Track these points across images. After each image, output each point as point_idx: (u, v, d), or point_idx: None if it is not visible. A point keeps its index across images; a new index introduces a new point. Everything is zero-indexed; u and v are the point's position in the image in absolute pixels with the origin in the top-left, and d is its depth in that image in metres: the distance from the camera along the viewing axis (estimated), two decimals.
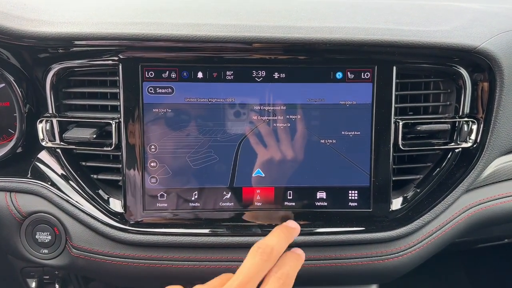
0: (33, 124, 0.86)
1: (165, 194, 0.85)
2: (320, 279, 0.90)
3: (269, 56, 0.82)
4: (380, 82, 0.83)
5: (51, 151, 0.88)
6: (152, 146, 0.84)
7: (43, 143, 0.86)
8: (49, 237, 0.86)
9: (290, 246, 0.85)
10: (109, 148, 0.84)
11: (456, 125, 0.86)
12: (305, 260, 0.85)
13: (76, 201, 0.86)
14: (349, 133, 0.84)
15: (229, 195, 0.86)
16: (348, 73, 0.82)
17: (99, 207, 0.86)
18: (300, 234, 0.84)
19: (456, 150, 0.88)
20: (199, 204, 0.86)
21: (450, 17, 0.88)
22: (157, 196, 0.85)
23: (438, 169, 0.88)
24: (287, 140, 0.84)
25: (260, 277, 0.65)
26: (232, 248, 0.86)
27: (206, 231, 0.85)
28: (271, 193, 0.86)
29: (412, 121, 0.86)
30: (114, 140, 0.83)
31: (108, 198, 0.87)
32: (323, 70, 0.82)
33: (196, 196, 0.85)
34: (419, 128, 0.85)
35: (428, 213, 0.86)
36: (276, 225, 0.86)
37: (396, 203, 0.88)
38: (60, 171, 0.87)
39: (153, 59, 0.82)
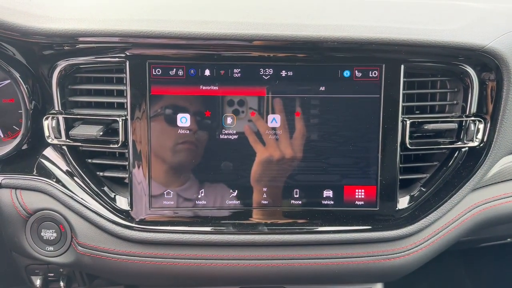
0: (38, 121, 0.86)
1: (171, 192, 0.85)
2: (326, 277, 0.90)
3: (276, 54, 0.82)
4: (388, 80, 0.83)
5: (57, 148, 0.87)
6: (159, 144, 0.83)
7: (49, 140, 0.85)
8: (55, 235, 0.86)
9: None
10: (115, 146, 0.84)
11: (463, 124, 0.86)
12: (311, 258, 0.86)
13: (82, 199, 0.85)
14: (357, 131, 0.84)
15: (235, 193, 0.85)
16: (356, 71, 0.82)
17: (105, 205, 0.85)
18: (307, 233, 0.85)
19: (463, 149, 0.88)
20: (205, 202, 0.86)
21: (458, 16, 0.88)
22: (163, 193, 0.85)
23: (444, 168, 0.88)
24: (293, 139, 0.84)
25: None
26: (238, 246, 0.86)
27: (212, 229, 0.85)
28: (277, 191, 0.86)
29: (419, 120, 0.85)
30: (120, 137, 0.83)
31: (114, 195, 0.87)
32: (331, 68, 0.82)
33: (202, 194, 0.85)
34: (426, 127, 0.85)
35: (434, 212, 0.87)
36: (282, 223, 0.86)
37: (403, 202, 0.88)
38: (65, 168, 0.87)
39: (160, 56, 0.81)
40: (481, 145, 0.87)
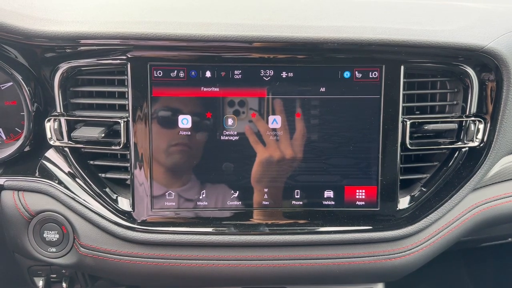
0: (40, 123, 0.86)
1: (173, 193, 0.85)
2: (327, 277, 0.90)
3: (276, 56, 0.82)
4: (388, 81, 0.83)
5: (59, 150, 0.88)
6: (160, 145, 0.84)
7: (51, 142, 0.86)
8: (57, 236, 0.87)
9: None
10: (117, 147, 0.84)
11: (463, 124, 0.86)
12: (312, 259, 0.86)
13: (84, 200, 0.86)
14: (357, 132, 0.84)
15: (236, 194, 0.86)
16: (356, 72, 0.83)
17: (107, 206, 0.86)
18: (308, 233, 0.85)
19: (463, 149, 0.88)
20: (206, 203, 0.86)
21: (457, 16, 0.89)
22: (165, 195, 0.85)
23: (444, 168, 0.89)
24: (294, 139, 0.84)
25: None
26: (239, 247, 0.86)
27: (214, 229, 0.85)
28: (278, 192, 0.86)
29: (420, 121, 0.86)
30: (122, 139, 0.83)
31: (116, 197, 0.87)
32: (331, 69, 0.83)
33: (204, 195, 0.86)
34: (426, 127, 0.85)
35: (435, 212, 0.87)
36: (283, 224, 0.86)
37: (403, 202, 0.88)
38: (67, 169, 0.87)
39: (161, 58, 0.82)
40: (481, 145, 0.88)
